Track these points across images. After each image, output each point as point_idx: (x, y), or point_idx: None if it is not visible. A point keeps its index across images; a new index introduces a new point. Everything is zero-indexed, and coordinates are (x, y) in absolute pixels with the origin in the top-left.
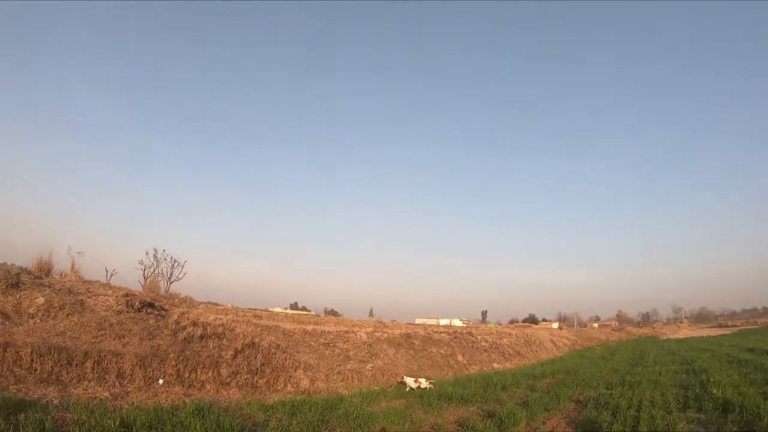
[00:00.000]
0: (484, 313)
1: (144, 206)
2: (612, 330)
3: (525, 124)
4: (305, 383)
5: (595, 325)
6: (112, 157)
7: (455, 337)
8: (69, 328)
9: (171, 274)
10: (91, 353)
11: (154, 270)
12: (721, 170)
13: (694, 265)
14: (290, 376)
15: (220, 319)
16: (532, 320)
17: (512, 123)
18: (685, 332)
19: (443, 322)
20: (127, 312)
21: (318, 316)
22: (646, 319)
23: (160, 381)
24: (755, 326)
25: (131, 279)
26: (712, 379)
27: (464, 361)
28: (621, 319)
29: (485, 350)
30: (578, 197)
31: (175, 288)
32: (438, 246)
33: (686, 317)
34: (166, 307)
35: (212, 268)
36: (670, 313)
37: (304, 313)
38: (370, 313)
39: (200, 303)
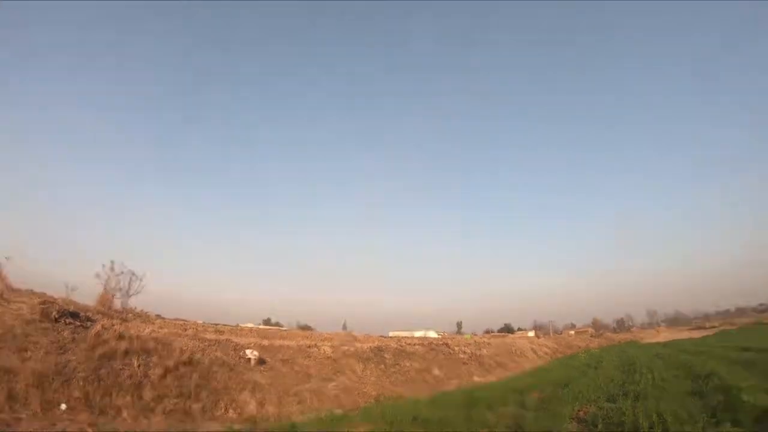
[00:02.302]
0: (459, 324)
1: (107, 218)
2: (590, 336)
3: (498, 130)
4: (252, 407)
5: (572, 332)
6: (83, 163)
7: (431, 349)
8: None
9: (129, 288)
10: None
11: (111, 283)
12: (694, 171)
13: (666, 269)
14: (233, 400)
15: (157, 332)
16: (507, 330)
17: (488, 128)
18: (664, 335)
19: (418, 334)
20: (40, 322)
21: (285, 330)
22: (621, 325)
23: (63, 406)
24: (733, 327)
25: (93, 294)
26: (729, 384)
27: (441, 376)
28: (597, 325)
29: (464, 362)
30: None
31: (138, 303)
32: (410, 258)
33: (662, 321)
34: (95, 318)
35: (186, 284)
36: (645, 317)
37: (275, 328)
38: (343, 327)
39: (157, 318)
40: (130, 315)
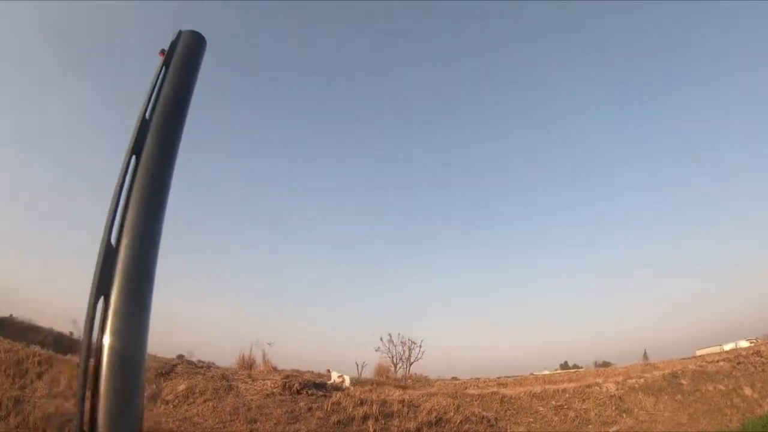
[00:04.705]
0: None
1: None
2: None
3: None
4: None
5: None
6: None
7: (738, 363)
8: (199, 413)
9: (410, 356)
10: None
11: (391, 355)
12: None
13: None
14: None
15: (405, 394)
16: None
17: None
18: None
19: (728, 347)
20: (280, 395)
21: (581, 369)
22: None
23: None
24: None
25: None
26: None
27: (755, 396)
28: None
29: None
30: None
31: (420, 368)
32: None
33: None
34: (343, 387)
35: (473, 340)
36: None
37: (572, 370)
38: (644, 356)
39: (437, 380)
40: (409, 381)
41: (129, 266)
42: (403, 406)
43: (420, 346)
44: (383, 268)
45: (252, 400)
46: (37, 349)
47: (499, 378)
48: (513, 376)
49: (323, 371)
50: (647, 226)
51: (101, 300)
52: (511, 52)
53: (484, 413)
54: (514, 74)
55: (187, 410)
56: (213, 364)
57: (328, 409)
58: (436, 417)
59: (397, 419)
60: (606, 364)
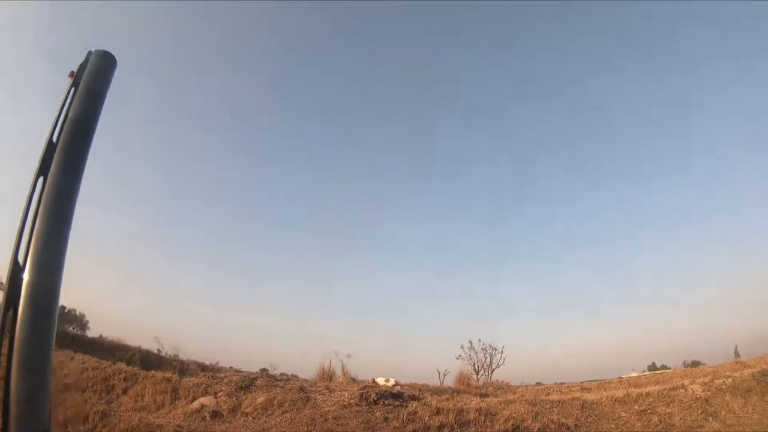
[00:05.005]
0: None
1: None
2: None
3: None
4: None
5: None
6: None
7: None
8: (277, 424)
9: (491, 362)
10: None
11: (472, 362)
12: None
13: None
14: None
15: (483, 402)
16: None
17: None
18: None
19: None
20: (357, 405)
21: (668, 370)
22: None
23: None
24: None
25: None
26: None
27: None
28: None
29: None
30: None
31: (500, 375)
32: None
33: None
34: (421, 396)
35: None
36: None
37: (660, 372)
38: (735, 353)
39: (519, 386)
40: (490, 389)
41: (36, 279)
42: (479, 414)
43: (501, 352)
44: (472, 274)
45: (329, 411)
46: (123, 366)
47: (582, 383)
48: (598, 380)
49: (403, 381)
50: (748, 217)
51: (11, 311)
52: None
53: (563, 420)
54: None
55: (265, 422)
56: (295, 376)
57: (404, 419)
58: (512, 425)
59: (473, 428)
60: (695, 364)
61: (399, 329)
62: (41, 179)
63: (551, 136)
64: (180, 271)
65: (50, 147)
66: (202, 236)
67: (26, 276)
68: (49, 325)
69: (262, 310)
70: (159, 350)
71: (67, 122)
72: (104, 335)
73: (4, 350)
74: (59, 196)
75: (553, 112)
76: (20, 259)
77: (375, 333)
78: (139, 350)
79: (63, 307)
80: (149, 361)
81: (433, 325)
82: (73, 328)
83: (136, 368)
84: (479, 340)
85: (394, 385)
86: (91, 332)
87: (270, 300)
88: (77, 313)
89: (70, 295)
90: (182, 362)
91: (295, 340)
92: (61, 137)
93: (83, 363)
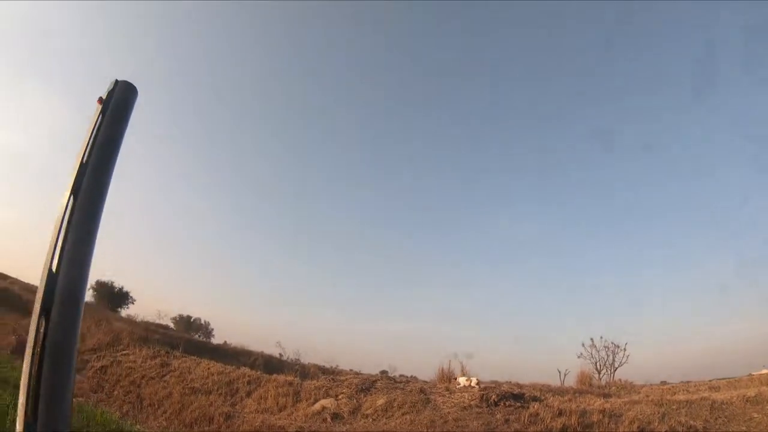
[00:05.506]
0: None
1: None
2: None
3: None
4: None
5: None
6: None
7: None
8: (396, 426)
9: (614, 361)
10: None
11: (594, 361)
12: None
13: None
14: None
15: (607, 403)
16: None
17: None
18: None
19: None
20: (477, 407)
21: None
22: None
23: None
24: None
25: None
26: None
27: None
28: None
29: None
30: None
31: (623, 374)
32: None
33: None
34: (542, 397)
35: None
36: None
37: None
38: None
39: (644, 386)
40: (613, 388)
41: (66, 286)
42: (603, 416)
43: (624, 350)
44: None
45: (449, 413)
46: (246, 370)
47: (711, 381)
48: (727, 378)
49: (523, 382)
50: None
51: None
52: None
53: (692, 422)
54: None
55: (385, 423)
56: (414, 378)
57: (525, 420)
58: (638, 428)
59: (597, 429)
60: None
61: (519, 329)
62: (72, 197)
63: None
64: (305, 280)
65: (81, 167)
66: (328, 246)
67: (58, 282)
68: (75, 329)
69: (388, 314)
70: (281, 354)
71: (96, 144)
72: (228, 341)
73: (34, 349)
74: (88, 211)
75: None
76: (53, 268)
77: (495, 335)
78: (262, 355)
79: (189, 317)
80: (271, 365)
81: (555, 323)
82: (199, 336)
83: (259, 372)
84: (601, 338)
85: (477, 384)
86: (216, 339)
87: (394, 305)
88: (202, 321)
89: (194, 308)
90: (303, 366)
91: (416, 343)
92: (90, 158)
93: (209, 368)
